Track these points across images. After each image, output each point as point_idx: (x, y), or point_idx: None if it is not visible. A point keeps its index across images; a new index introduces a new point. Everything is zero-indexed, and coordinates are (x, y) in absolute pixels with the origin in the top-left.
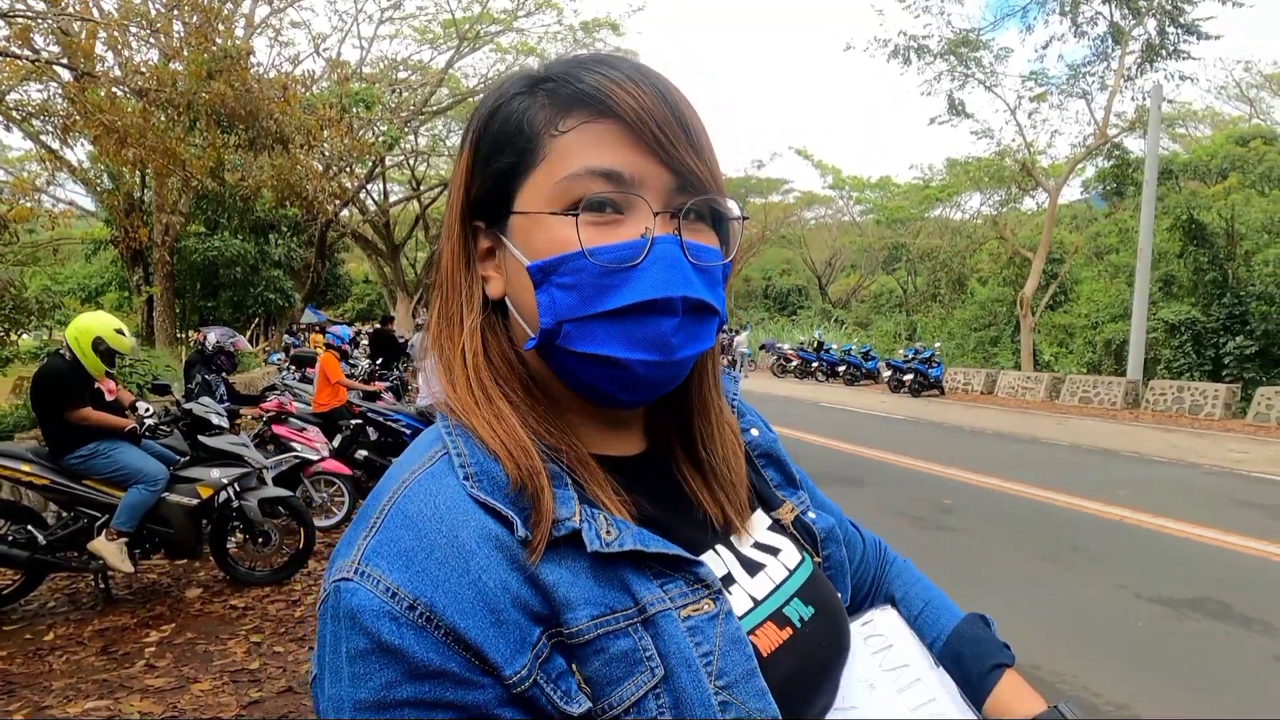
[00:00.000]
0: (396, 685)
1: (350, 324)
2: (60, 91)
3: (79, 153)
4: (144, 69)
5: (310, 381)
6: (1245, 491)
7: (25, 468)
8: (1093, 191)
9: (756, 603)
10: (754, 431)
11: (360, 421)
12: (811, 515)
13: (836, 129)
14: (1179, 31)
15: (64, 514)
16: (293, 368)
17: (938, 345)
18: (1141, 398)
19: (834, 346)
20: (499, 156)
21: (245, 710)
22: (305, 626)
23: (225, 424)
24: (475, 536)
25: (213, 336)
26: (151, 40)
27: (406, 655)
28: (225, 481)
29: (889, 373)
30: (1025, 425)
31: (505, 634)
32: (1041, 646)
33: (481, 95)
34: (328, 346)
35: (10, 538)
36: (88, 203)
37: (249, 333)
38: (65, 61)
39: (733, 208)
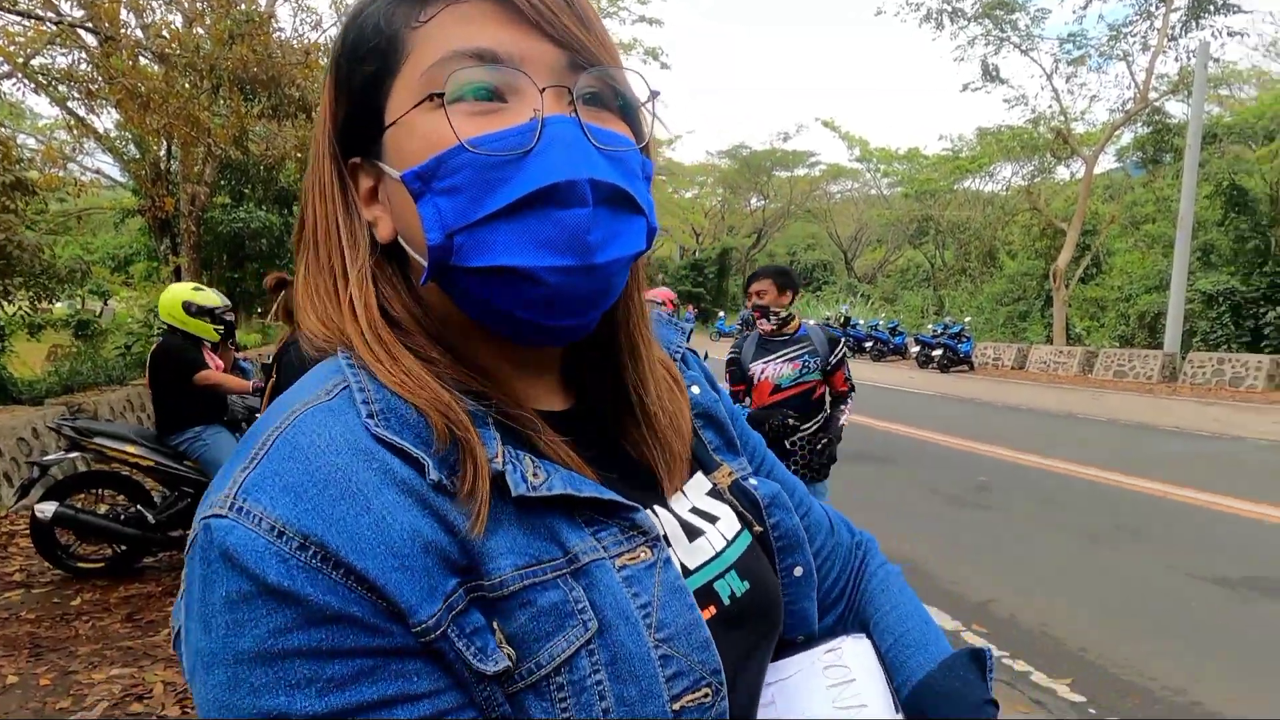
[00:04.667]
0: (286, 632)
1: None
2: (84, 57)
3: (106, 121)
4: (165, 33)
5: None
6: None
7: (131, 449)
8: (1128, 160)
9: (688, 572)
10: (694, 389)
11: None
12: (753, 482)
13: (865, 99)
14: None
15: (169, 493)
16: None
17: (967, 320)
18: (1179, 370)
19: (860, 322)
20: (360, 68)
21: None
22: None
23: None
24: (378, 476)
25: None
26: (174, 5)
27: (299, 599)
28: None
29: (917, 348)
30: (1059, 400)
31: (413, 579)
32: (1091, 629)
33: None
34: None
35: (124, 517)
36: (115, 172)
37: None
38: (89, 25)
39: (638, 86)
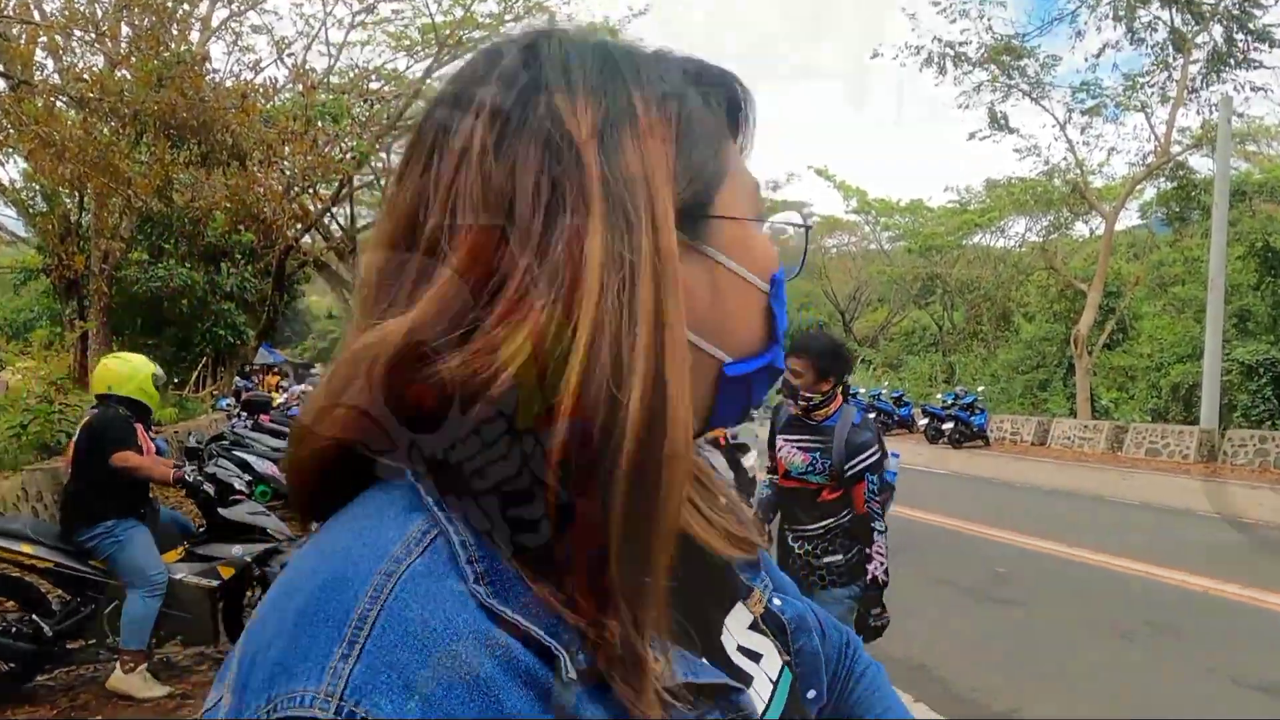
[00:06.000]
0: None
1: (311, 365)
2: None
3: (11, 170)
4: (86, 76)
5: (263, 430)
6: None
7: (26, 548)
8: (1153, 216)
9: None
10: None
11: None
12: (777, 602)
13: (862, 147)
14: (1248, 38)
15: (70, 598)
16: (244, 414)
17: (980, 389)
18: (1218, 449)
19: (860, 390)
20: (703, 147)
21: None
22: None
23: (247, 490)
24: (502, 669)
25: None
26: (97, 46)
27: None
28: (249, 560)
29: (925, 420)
30: (1086, 481)
31: None
32: None
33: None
34: None
35: (14, 629)
36: (19, 227)
37: (195, 374)
38: (1, 70)
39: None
